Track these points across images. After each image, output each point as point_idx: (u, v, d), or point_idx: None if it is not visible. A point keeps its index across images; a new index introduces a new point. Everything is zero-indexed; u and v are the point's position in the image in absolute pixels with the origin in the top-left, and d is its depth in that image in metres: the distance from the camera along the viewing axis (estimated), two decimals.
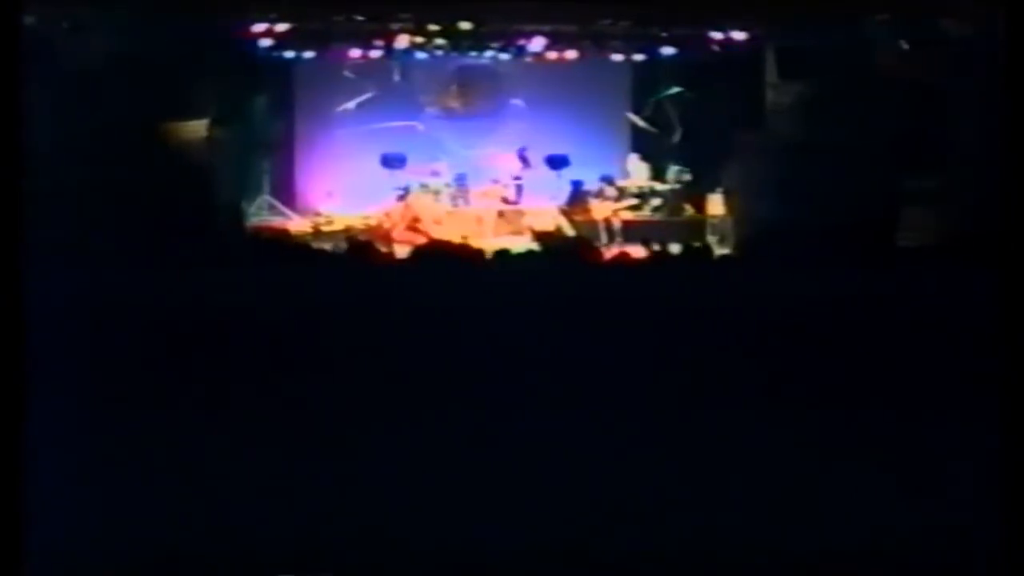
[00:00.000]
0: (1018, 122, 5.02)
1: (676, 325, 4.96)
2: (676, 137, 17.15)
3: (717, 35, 15.56)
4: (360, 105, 16.83)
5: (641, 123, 17.22)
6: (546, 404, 4.75)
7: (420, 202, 16.24)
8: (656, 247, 13.07)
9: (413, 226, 15.84)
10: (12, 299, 4.16)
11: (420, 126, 17.05)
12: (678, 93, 16.93)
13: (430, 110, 17.55)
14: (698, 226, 16.14)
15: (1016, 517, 4.32)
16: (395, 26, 15.43)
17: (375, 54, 16.14)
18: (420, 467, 4.63)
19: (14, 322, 4.15)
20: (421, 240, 14.17)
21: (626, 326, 4.99)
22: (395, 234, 15.50)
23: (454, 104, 17.71)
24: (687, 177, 16.68)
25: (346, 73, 16.65)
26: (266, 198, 16.74)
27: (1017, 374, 4.49)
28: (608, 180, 16.73)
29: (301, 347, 4.84)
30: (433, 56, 16.41)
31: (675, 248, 12.66)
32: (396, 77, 16.91)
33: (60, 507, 4.31)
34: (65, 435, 4.37)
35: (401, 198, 16.42)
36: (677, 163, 16.96)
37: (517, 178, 16.83)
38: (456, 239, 13.77)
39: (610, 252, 12.96)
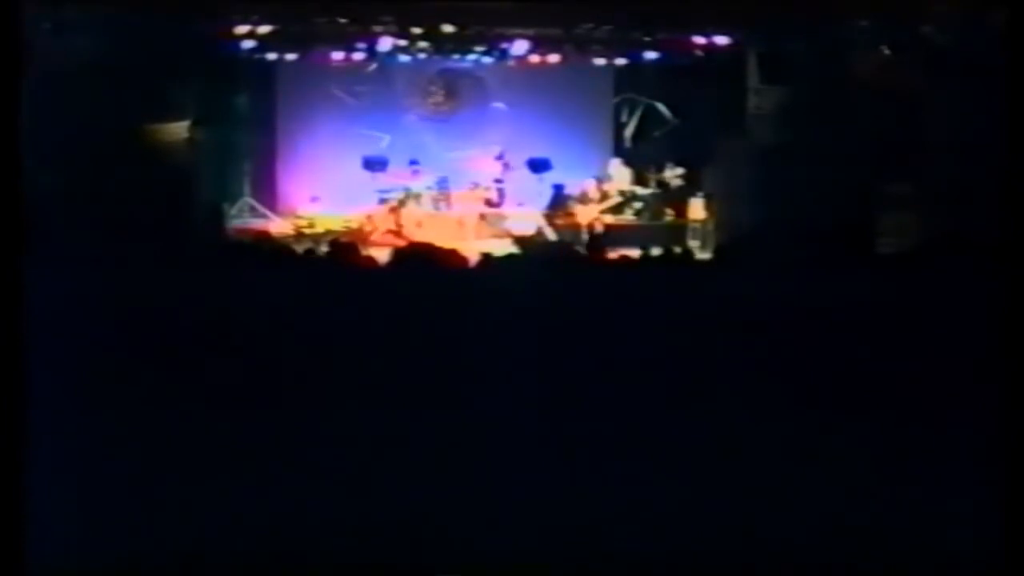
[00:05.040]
0: (1017, 122, 5.05)
1: (658, 330, 4.97)
2: (626, 139, 17.27)
3: (699, 40, 15.59)
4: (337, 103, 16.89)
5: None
6: (528, 407, 4.75)
7: (404, 210, 16.29)
8: (637, 251, 13.08)
9: (395, 231, 15.86)
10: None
11: (385, 140, 17.02)
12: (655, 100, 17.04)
13: (413, 113, 17.54)
14: (679, 230, 16.17)
15: (1016, 518, 4.34)
16: (378, 28, 15.42)
17: (358, 56, 16.13)
18: (407, 469, 4.63)
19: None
20: (400, 243, 14.19)
21: (607, 330, 5.00)
22: (374, 237, 15.51)
23: (436, 107, 17.71)
24: (678, 173, 16.72)
25: (328, 76, 16.69)
26: (247, 200, 16.72)
27: (1009, 377, 4.52)
28: (598, 180, 16.79)
29: (286, 350, 4.84)
30: (416, 59, 16.42)
31: (656, 252, 12.66)
32: (379, 80, 16.92)
33: (59, 507, 4.31)
34: (52, 437, 4.36)
35: (383, 202, 16.43)
36: (661, 166, 17.03)
37: (499, 181, 16.84)
38: (438, 242, 13.78)
39: (592, 256, 12.97)
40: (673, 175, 16.82)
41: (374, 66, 16.59)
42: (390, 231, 15.84)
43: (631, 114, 17.33)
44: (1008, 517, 4.36)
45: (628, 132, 17.30)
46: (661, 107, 16.93)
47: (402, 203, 16.34)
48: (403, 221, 16.12)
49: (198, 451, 4.54)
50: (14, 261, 4.31)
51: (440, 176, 16.81)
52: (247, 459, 4.54)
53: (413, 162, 16.79)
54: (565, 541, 4.58)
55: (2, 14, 4.32)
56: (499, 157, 16.97)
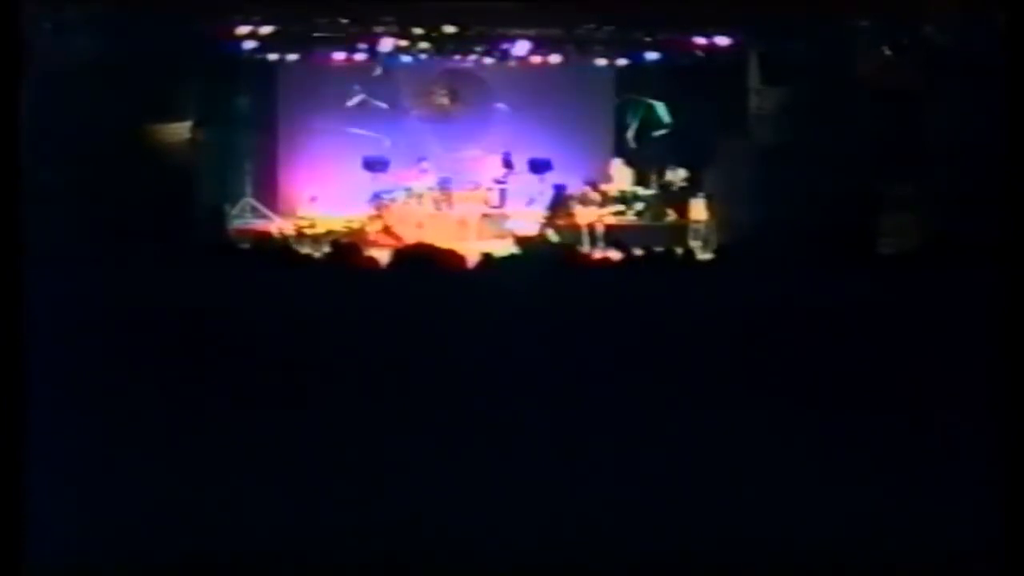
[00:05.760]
0: (1017, 123, 5.05)
1: (659, 330, 4.97)
2: (629, 140, 17.27)
3: (700, 40, 15.60)
4: (356, 106, 16.89)
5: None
6: (529, 407, 4.75)
7: (401, 210, 16.28)
8: (638, 252, 13.07)
9: (386, 231, 15.85)
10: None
11: (387, 142, 17.01)
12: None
13: (414, 113, 17.55)
14: (680, 231, 16.16)
15: (1016, 518, 4.35)
16: (379, 29, 15.43)
17: (359, 57, 16.14)
18: (408, 470, 4.64)
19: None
20: (393, 243, 14.20)
21: (608, 331, 5.00)
22: (372, 236, 15.51)
23: (438, 107, 17.71)
24: (682, 176, 16.72)
25: (330, 76, 16.70)
26: (248, 200, 16.73)
27: (1009, 377, 4.52)
28: (591, 184, 16.78)
29: (287, 350, 4.84)
30: (417, 59, 16.42)
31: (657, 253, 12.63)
32: (380, 80, 16.92)
33: (59, 507, 4.32)
34: (52, 437, 4.37)
35: (381, 202, 16.43)
36: (663, 167, 17.03)
37: (500, 182, 16.84)
38: (439, 243, 13.76)
39: (593, 256, 12.98)
40: (677, 178, 16.82)
41: (379, 71, 16.61)
42: (381, 232, 15.85)
43: (633, 115, 17.34)
44: (1008, 517, 4.37)
45: (630, 133, 17.31)
46: (662, 108, 16.94)
47: (385, 205, 16.32)
48: (390, 222, 16.09)
49: (198, 451, 4.55)
50: (14, 261, 4.31)
51: (442, 176, 16.82)
52: (247, 459, 4.54)
53: (421, 159, 16.79)
54: (568, 541, 4.58)
55: (2, 14, 4.32)
56: (505, 158, 16.98)
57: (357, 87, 16.80)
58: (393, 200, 16.37)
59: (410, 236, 15.25)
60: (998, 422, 4.51)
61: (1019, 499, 4.35)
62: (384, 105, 16.99)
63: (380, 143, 16.91)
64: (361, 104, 16.91)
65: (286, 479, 4.56)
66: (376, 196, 16.38)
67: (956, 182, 11.74)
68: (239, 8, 14.45)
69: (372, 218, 16.15)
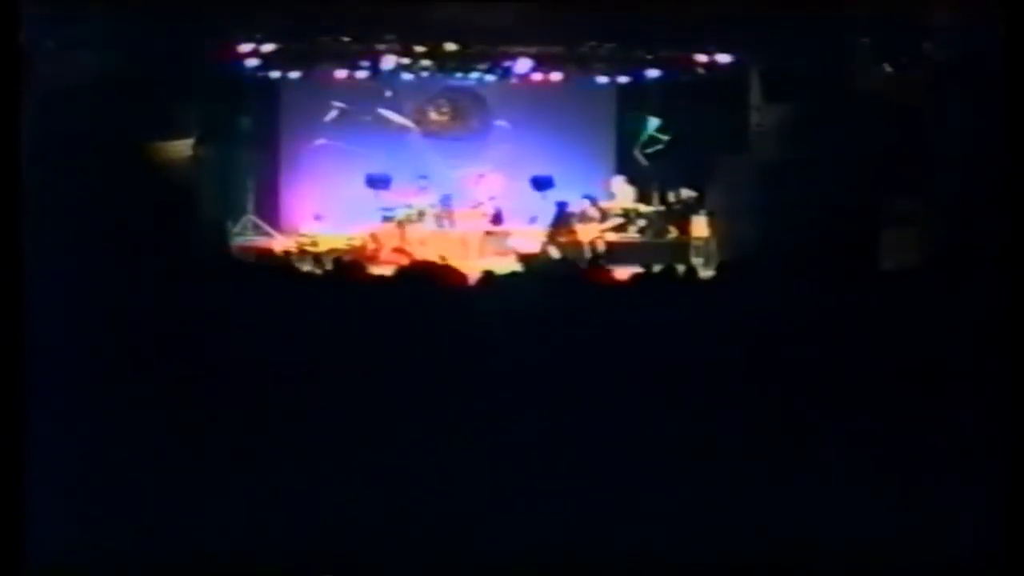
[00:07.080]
0: (1018, 133, 5.06)
1: (662, 347, 4.98)
2: (637, 157, 17.28)
3: (702, 58, 15.62)
4: (337, 120, 16.88)
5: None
6: (533, 423, 4.76)
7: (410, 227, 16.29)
8: (640, 269, 13.05)
9: (401, 248, 15.85)
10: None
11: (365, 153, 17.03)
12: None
13: (415, 130, 17.56)
14: (682, 248, 16.16)
15: (1016, 518, 4.35)
16: (381, 47, 15.47)
17: (361, 74, 16.16)
18: (410, 484, 4.64)
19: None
20: (405, 261, 14.18)
21: (611, 347, 5.01)
22: (382, 255, 15.50)
23: (439, 125, 17.74)
24: (691, 196, 16.73)
25: (332, 93, 16.73)
26: (250, 218, 16.74)
27: (1011, 385, 4.53)
28: (592, 201, 16.78)
29: (289, 365, 4.86)
30: (419, 77, 16.45)
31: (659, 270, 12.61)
32: (381, 97, 16.94)
33: (59, 507, 4.32)
34: (53, 447, 4.37)
35: (387, 220, 16.43)
36: (665, 184, 17.04)
37: (493, 197, 16.83)
38: (441, 260, 13.76)
39: (595, 273, 12.95)
40: (685, 198, 16.80)
41: (389, 93, 16.65)
42: (396, 249, 15.84)
43: (637, 132, 17.36)
44: (1009, 523, 4.37)
45: (637, 150, 17.31)
46: (664, 125, 16.96)
47: (409, 220, 16.34)
48: (409, 238, 16.12)
49: (198, 460, 4.56)
50: (16, 278, 4.32)
51: (443, 194, 16.83)
52: (246, 468, 4.55)
53: (422, 176, 16.80)
54: (570, 562, 4.58)
55: (4, 27, 4.34)
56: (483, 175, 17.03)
57: (335, 102, 16.81)
58: (405, 219, 16.33)
59: (414, 253, 15.28)
60: (1003, 435, 4.51)
61: (1019, 499, 4.35)
62: (395, 114, 16.99)
63: (372, 158, 16.90)
64: (340, 117, 16.91)
65: (285, 488, 4.56)
66: (387, 217, 16.40)
67: (959, 196, 11.74)
68: (242, 26, 14.49)
69: (392, 233, 16.10)
